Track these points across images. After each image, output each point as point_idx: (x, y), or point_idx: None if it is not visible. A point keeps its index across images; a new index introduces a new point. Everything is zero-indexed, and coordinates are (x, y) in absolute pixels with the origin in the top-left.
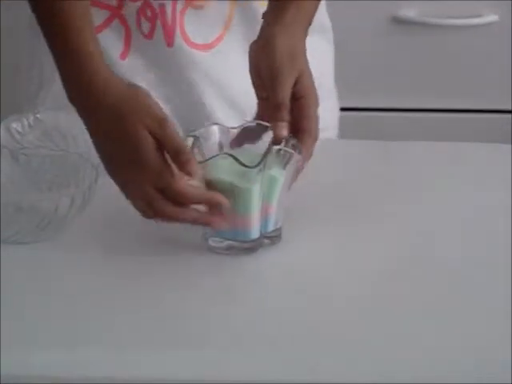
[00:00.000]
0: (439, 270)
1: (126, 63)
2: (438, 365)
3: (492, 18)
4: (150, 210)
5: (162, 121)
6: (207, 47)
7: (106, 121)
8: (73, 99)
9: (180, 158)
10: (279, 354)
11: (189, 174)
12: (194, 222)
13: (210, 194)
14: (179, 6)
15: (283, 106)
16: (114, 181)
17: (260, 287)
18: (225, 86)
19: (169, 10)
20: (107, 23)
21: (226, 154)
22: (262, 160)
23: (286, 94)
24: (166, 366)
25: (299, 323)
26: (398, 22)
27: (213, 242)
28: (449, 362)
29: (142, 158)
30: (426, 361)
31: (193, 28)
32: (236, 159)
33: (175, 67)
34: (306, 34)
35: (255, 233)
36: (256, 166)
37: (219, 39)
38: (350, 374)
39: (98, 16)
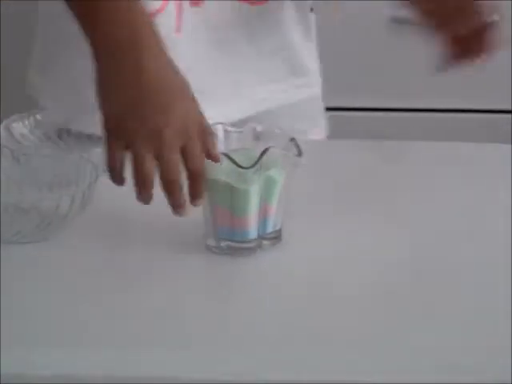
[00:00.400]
0: (439, 270)
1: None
2: (438, 365)
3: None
4: (150, 156)
5: (198, 103)
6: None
7: (156, 63)
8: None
9: (208, 136)
10: (279, 354)
11: (211, 154)
12: (175, 197)
13: (200, 183)
14: None
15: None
16: (125, 123)
17: (260, 287)
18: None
19: None
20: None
21: (222, 153)
22: (257, 161)
23: None
24: (166, 365)
25: (299, 323)
26: (398, 21)
27: (211, 242)
28: (449, 362)
29: (184, 108)
30: (426, 361)
31: None
32: (231, 159)
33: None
34: None
35: (253, 233)
36: (251, 166)
37: None
38: (350, 374)
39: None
